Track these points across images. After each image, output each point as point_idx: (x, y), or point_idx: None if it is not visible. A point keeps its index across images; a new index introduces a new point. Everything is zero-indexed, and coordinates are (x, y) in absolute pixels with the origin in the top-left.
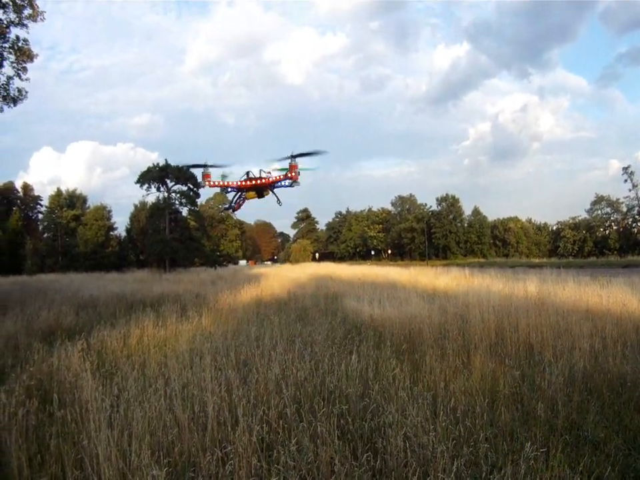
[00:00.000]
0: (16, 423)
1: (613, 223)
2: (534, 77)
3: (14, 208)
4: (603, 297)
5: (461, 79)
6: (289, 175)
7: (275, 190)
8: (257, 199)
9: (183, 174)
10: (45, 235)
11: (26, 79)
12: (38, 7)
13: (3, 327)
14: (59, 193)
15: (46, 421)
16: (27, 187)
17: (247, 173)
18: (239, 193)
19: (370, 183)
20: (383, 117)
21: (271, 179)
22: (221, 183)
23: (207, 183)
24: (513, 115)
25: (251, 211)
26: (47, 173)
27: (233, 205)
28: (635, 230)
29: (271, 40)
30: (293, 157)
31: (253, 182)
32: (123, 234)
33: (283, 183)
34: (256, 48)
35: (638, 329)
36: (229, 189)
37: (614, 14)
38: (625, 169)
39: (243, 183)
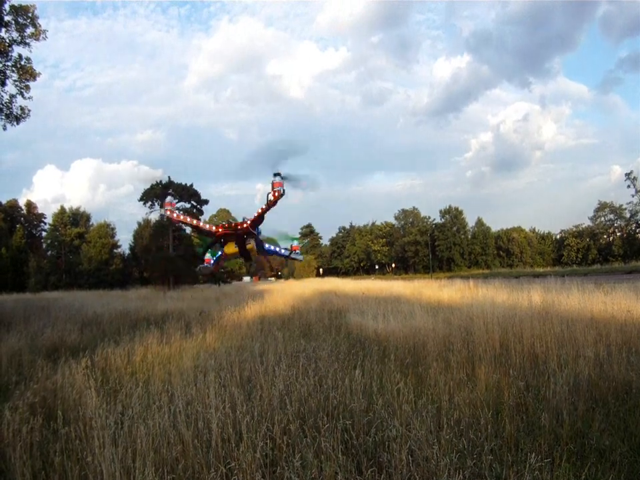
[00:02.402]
0: (20, 440)
1: (616, 230)
2: (535, 85)
3: (17, 225)
4: (607, 303)
5: (462, 90)
6: (270, 197)
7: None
8: (239, 258)
9: (186, 191)
10: (49, 253)
11: (29, 98)
12: (40, 25)
13: (7, 343)
14: (62, 210)
15: (50, 437)
16: (30, 205)
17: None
18: (216, 244)
19: (373, 197)
20: (385, 130)
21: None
22: (190, 221)
23: (167, 211)
24: (514, 125)
25: None
26: (50, 191)
27: (210, 262)
28: (639, 235)
29: (272, 55)
30: (277, 175)
31: (231, 229)
32: (127, 251)
33: (277, 250)
34: (257, 63)
35: None
36: (201, 233)
37: (614, 19)
38: (628, 174)
39: (220, 229)
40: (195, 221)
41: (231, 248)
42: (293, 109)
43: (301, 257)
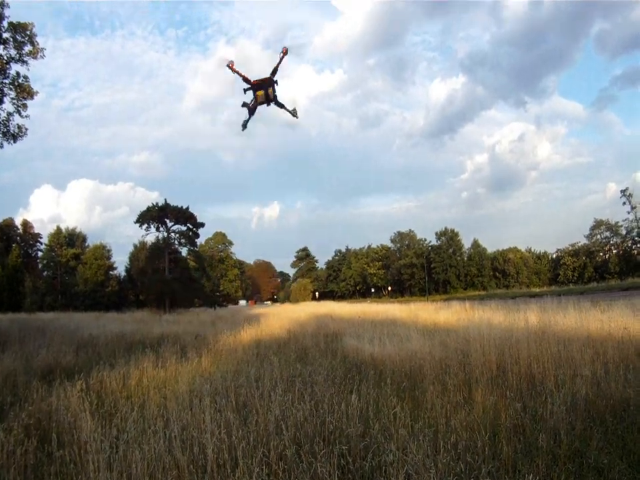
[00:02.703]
0: (14, 462)
1: (612, 247)
2: (530, 105)
3: (13, 245)
4: (604, 321)
5: (458, 111)
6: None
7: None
8: (265, 104)
9: (182, 214)
10: (45, 273)
11: (26, 116)
12: (38, 43)
13: (1, 364)
14: (58, 231)
15: (44, 460)
16: (26, 224)
17: None
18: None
19: (370, 219)
20: (381, 152)
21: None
22: (241, 72)
23: (230, 64)
24: (510, 145)
25: (251, 251)
26: (47, 211)
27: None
28: (635, 252)
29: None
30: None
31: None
32: (123, 273)
33: (284, 105)
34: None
35: None
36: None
37: (608, 37)
38: (623, 191)
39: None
40: (243, 73)
41: (261, 92)
42: (289, 132)
43: (298, 116)
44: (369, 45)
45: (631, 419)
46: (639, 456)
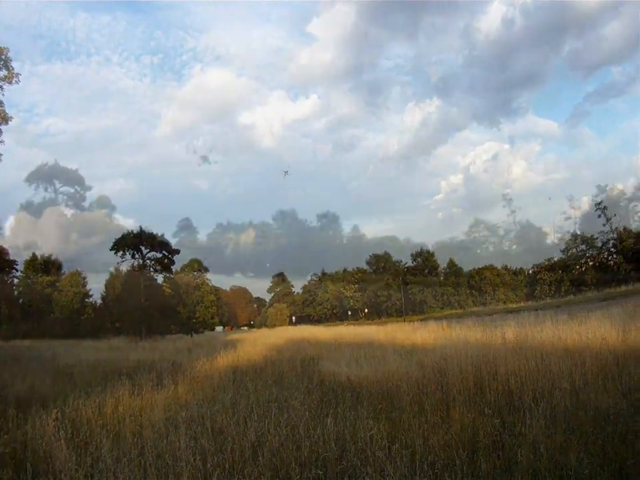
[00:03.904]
0: None
1: (589, 259)
2: (504, 125)
3: None
4: (582, 333)
5: (432, 133)
6: None
7: None
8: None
9: (157, 241)
10: (20, 300)
11: (0, 141)
12: (13, 68)
13: None
14: (34, 258)
15: None
16: (2, 250)
17: None
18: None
19: (346, 243)
20: (356, 176)
21: None
22: None
23: None
24: (484, 165)
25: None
26: (22, 237)
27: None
28: (611, 263)
29: (243, 104)
30: None
31: None
32: (99, 301)
33: None
34: (229, 113)
35: (618, 360)
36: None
37: (580, 54)
38: (598, 204)
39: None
40: None
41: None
42: (264, 158)
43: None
44: (343, 70)
45: (611, 428)
46: (619, 464)
